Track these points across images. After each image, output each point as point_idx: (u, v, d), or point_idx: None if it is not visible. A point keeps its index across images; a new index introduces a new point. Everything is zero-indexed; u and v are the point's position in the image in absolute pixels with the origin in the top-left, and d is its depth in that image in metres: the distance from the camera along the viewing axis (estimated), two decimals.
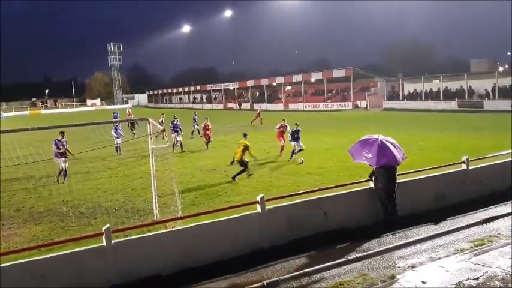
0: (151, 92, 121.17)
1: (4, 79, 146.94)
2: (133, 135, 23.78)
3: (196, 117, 31.82)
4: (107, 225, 7.10)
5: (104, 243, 6.97)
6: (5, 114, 77.24)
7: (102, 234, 7.00)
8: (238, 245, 8.03)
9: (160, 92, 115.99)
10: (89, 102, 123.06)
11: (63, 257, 6.77)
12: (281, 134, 20.40)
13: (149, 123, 10.98)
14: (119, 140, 23.05)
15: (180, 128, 23.75)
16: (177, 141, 23.17)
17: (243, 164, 15.42)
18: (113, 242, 7.04)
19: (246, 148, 15.52)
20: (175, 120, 23.93)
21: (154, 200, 11.00)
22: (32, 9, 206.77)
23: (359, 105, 56.43)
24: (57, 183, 15.71)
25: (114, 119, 28.75)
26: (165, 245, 7.54)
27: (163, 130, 11.00)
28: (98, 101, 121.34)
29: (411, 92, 53.52)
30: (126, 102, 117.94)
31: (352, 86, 59.39)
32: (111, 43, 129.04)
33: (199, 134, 29.13)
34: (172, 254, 7.53)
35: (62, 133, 16.25)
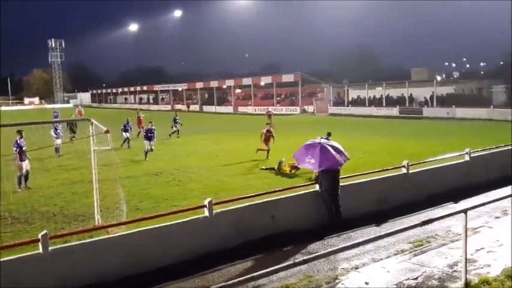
0: (94, 91, 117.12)
1: None
2: (71, 139, 22.55)
3: (177, 118, 31.15)
4: (44, 231, 6.73)
5: (41, 251, 6.60)
6: None
7: (38, 240, 6.62)
8: (185, 250, 7.88)
9: (104, 91, 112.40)
10: (26, 100, 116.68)
11: None
12: (268, 138, 19.49)
13: (91, 124, 10.57)
14: (59, 141, 22.05)
15: (153, 133, 21.97)
16: (150, 148, 21.22)
17: None
18: (50, 249, 6.68)
19: None
20: (150, 124, 22.29)
21: (95, 204, 10.56)
22: None
23: (307, 110, 57.56)
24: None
25: (55, 119, 27.54)
26: (107, 251, 7.26)
27: (107, 131, 10.62)
28: (36, 100, 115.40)
29: (355, 98, 55.41)
30: (68, 102, 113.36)
31: (300, 90, 60.48)
32: (52, 39, 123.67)
33: (178, 135, 29.44)
34: (115, 260, 7.25)
35: (20, 132, 14.78)
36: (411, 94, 48.93)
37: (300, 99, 60.39)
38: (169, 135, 29.81)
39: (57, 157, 21.45)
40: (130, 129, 25.78)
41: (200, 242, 8.10)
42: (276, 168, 16.28)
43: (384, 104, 49.96)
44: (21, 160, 14.48)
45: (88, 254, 7.06)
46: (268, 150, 19.15)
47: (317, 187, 9.80)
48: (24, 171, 14.60)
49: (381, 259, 7.71)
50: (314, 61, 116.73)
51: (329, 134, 17.07)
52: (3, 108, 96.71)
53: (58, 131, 22.16)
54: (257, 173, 16.26)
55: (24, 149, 14.59)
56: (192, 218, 8.22)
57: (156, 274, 7.30)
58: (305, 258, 5.19)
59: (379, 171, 11.41)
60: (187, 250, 7.90)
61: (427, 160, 12.88)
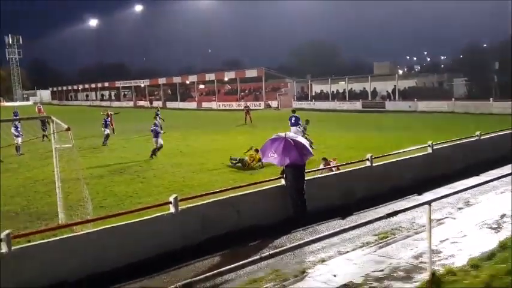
0: (55, 89, 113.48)
1: None
2: (43, 137, 21.86)
3: (159, 113, 30.43)
4: (7, 231, 6.54)
5: (3, 250, 6.43)
6: None
7: (1, 240, 6.43)
8: (150, 247, 7.82)
9: (65, 88, 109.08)
10: None
11: None
12: None
13: (52, 121, 10.29)
14: (19, 140, 21.32)
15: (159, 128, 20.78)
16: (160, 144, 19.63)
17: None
18: (13, 248, 6.51)
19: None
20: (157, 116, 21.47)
21: (58, 203, 10.32)
22: None
23: (271, 105, 57.84)
24: None
25: (15, 117, 26.60)
26: (71, 249, 7.13)
27: (68, 128, 10.35)
28: None
29: (319, 92, 56.14)
30: (27, 99, 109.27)
31: (264, 86, 60.69)
32: (10, 35, 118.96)
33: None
34: (79, 259, 7.13)
35: None
36: (374, 88, 49.99)
37: (264, 94, 60.61)
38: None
39: (18, 156, 20.73)
40: (111, 124, 25.30)
41: (166, 238, 8.06)
42: (240, 164, 16.25)
43: (347, 99, 50.84)
44: None
45: (52, 253, 6.91)
46: None
47: (283, 181, 9.90)
48: None
49: (347, 251, 7.88)
50: (277, 56, 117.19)
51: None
52: None
53: (18, 129, 21.45)
54: (222, 169, 16.25)
55: None
56: (158, 214, 8.17)
57: (122, 272, 7.22)
58: (271, 252, 5.28)
59: (343, 164, 11.65)
60: (154, 247, 7.84)
61: (391, 153, 13.19)
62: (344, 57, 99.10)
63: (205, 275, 4.59)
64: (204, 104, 66.53)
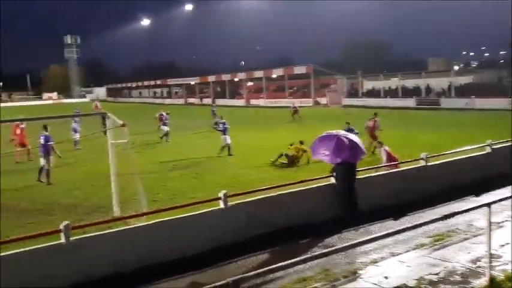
0: (110, 86, 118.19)
1: None
2: (105, 133, 22.91)
3: (215, 109, 31.37)
4: (66, 222, 6.86)
5: (63, 240, 6.74)
6: None
7: (60, 231, 6.75)
8: (201, 242, 7.96)
9: (119, 85, 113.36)
10: (45, 95, 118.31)
11: (20, 255, 6.50)
12: (372, 132, 18.04)
13: (108, 117, 10.70)
14: (77, 135, 22.35)
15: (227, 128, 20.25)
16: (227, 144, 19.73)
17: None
18: (71, 239, 6.82)
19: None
20: (220, 118, 21.52)
21: (114, 196, 10.71)
22: None
23: (320, 102, 57.23)
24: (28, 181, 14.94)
25: (76, 113, 28.09)
26: (126, 241, 7.38)
27: (124, 124, 10.71)
28: (54, 95, 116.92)
29: (370, 89, 54.86)
30: (84, 96, 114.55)
31: (312, 82, 60.10)
32: (69, 35, 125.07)
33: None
34: (133, 251, 7.38)
35: (45, 126, 15.01)
36: (428, 84, 48.22)
37: (313, 91, 60.03)
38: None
39: (75, 150, 21.75)
40: (167, 123, 25.81)
41: (215, 234, 8.16)
42: (287, 160, 16.22)
43: (400, 95, 49.34)
44: (43, 153, 14.62)
45: (108, 244, 7.19)
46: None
47: (332, 180, 9.75)
48: (43, 164, 14.66)
49: (400, 253, 7.64)
50: (326, 53, 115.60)
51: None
52: (23, 103, 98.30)
53: (76, 124, 22.63)
54: (270, 166, 16.24)
55: (50, 143, 14.79)
56: (208, 210, 8.29)
57: (172, 265, 7.38)
58: (321, 251, 5.19)
59: (396, 163, 11.31)
60: (203, 242, 7.97)
61: (447, 152, 12.66)
62: (395, 52, 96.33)
63: (255, 271, 4.58)
64: (252, 101, 66.88)
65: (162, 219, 7.83)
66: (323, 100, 56.89)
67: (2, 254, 6.49)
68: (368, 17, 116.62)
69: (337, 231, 8.84)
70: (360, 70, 60.03)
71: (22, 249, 6.62)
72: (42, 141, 14.75)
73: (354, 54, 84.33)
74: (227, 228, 8.25)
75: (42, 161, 14.68)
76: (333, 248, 5.41)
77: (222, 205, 8.24)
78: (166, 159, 18.63)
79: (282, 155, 16.39)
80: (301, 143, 16.51)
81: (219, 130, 20.43)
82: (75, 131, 22.47)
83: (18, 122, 18.12)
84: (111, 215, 10.49)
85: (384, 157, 12.21)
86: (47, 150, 14.65)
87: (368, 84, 56.27)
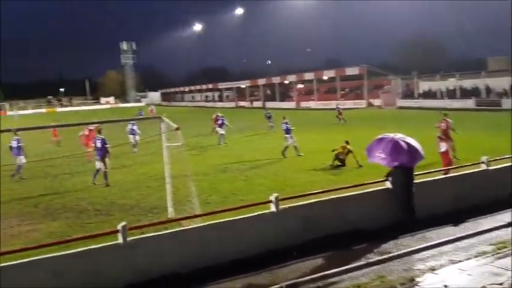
0: (163, 91, 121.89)
1: (22, 78, 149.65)
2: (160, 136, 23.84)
3: (269, 113, 31.85)
4: (123, 223, 7.09)
5: (121, 241, 6.97)
6: (19, 112, 78.55)
7: (118, 231, 6.99)
8: (253, 245, 7.97)
9: (172, 90, 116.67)
10: (103, 100, 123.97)
11: (81, 254, 6.78)
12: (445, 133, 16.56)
13: (162, 121, 11.00)
14: (137, 138, 23.42)
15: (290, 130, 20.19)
16: (292, 145, 19.84)
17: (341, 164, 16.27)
18: (129, 239, 7.03)
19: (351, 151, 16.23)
20: (284, 118, 21.06)
21: (168, 198, 10.99)
22: (48, 8, 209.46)
23: (373, 104, 56.01)
24: (73, 181, 15.76)
25: (138, 116, 29.64)
26: (181, 243, 7.51)
27: (178, 128, 10.98)
28: (111, 99, 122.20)
29: (426, 90, 52.97)
30: (139, 101, 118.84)
31: (365, 84, 58.93)
32: (124, 42, 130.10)
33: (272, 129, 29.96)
34: (188, 252, 7.50)
35: (99, 130, 15.65)
36: (487, 85, 45.89)
37: (366, 92, 58.84)
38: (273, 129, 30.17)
39: (132, 153, 22.57)
40: (224, 124, 26.18)
41: (267, 237, 8.14)
42: (339, 162, 16.22)
43: (458, 96, 47.29)
44: (99, 156, 15.07)
45: (163, 245, 7.34)
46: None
47: (388, 184, 9.47)
48: (99, 167, 15.09)
49: (460, 261, 7.29)
50: (378, 53, 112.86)
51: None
52: (83, 107, 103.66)
53: (135, 127, 23.58)
54: (322, 170, 16.06)
55: (106, 146, 15.15)
56: (260, 213, 8.28)
57: (226, 267, 7.43)
58: (377, 257, 5.04)
59: (456, 167, 10.83)
60: (255, 245, 7.98)
61: (509, 156, 11.95)
62: (452, 52, 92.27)
63: (309, 276, 4.52)
64: (303, 104, 66.57)
65: (215, 221, 7.92)
66: (377, 102, 55.61)
67: (62, 253, 6.81)
68: (422, 16, 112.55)
69: (393, 236, 8.56)
70: (415, 70, 58.15)
71: (82, 249, 6.92)
72: (98, 144, 15.14)
73: (408, 54, 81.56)
74: (279, 231, 8.21)
75: (98, 164, 15.09)
76: (390, 255, 5.23)
77: (273, 208, 8.22)
78: (218, 162, 18.89)
79: (336, 158, 16.33)
80: (347, 143, 16.61)
81: (283, 130, 20.42)
82: (133, 133, 23.44)
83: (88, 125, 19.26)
84: (166, 216, 10.78)
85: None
86: (103, 153, 15.03)
87: (424, 85, 54.27)
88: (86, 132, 20.91)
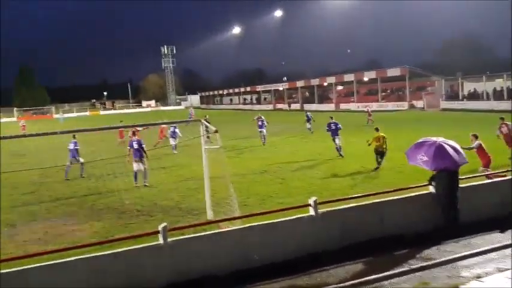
0: (202, 94, 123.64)
1: (66, 82, 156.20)
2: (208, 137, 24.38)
3: (310, 115, 32.03)
4: (164, 224, 7.23)
5: (161, 241, 7.10)
6: (64, 116, 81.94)
7: (159, 232, 7.13)
8: (291, 248, 7.93)
9: (211, 93, 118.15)
10: (144, 103, 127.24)
11: (123, 254, 6.96)
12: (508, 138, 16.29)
13: (202, 124, 11.15)
14: (176, 140, 24.02)
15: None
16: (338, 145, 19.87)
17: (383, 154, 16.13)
18: (169, 240, 7.16)
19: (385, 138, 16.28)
20: (331, 118, 20.99)
21: (207, 200, 11.12)
22: (91, 14, 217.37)
23: (415, 105, 54.63)
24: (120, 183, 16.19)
25: (190, 118, 30.77)
26: (219, 245, 7.57)
27: (216, 131, 11.10)
28: (153, 102, 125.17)
29: (471, 91, 51.09)
30: (179, 104, 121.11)
31: (407, 85, 57.56)
32: (165, 45, 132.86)
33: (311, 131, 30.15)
34: (226, 254, 7.55)
35: (134, 132, 15.95)
36: None
37: (408, 94, 57.47)
38: (311, 131, 30.33)
39: (173, 154, 23.03)
40: (264, 125, 26.44)
41: (306, 240, 8.08)
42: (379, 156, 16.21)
43: (506, 98, 45.31)
44: (137, 157, 15.24)
45: (203, 246, 7.43)
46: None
47: (431, 188, 9.20)
48: (136, 169, 15.30)
49: (508, 269, 6.96)
50: (421, 54, 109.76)
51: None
52: (126, 111, 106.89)
53: (176, 130, 24.21)
54: (361, 173, 15.79)
55: (141, 147, 15.34)
56: (298, 216, 8.23)
57: (264, 270, 7.43)
58: (419, 263, 4.89)
59: (504, 171, 10.39)
60: (294, 248, 7.93)
61: None
62: (499, 52, 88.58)
63: (349, 282, 4.45)
64: (342, 106, 65.77)
65: (253, 224, 7.94)
66: (419, 103, 54.19)
67: (105, 252, 7.03)
68: (467, 15, 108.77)
69: (436, 242, 8.29)
70: (459, 71, 56.22)
71: (124, 249, 7.10)
72: (135, 146, 15.27)
73: (452, 55, 79.22)
74: (318, 235, 8.13)
75: (135, 166, 15.23)
76: (433, 261, 5.06)
77: (312, 212, 8.15)
78: (256, 164, 18.95)
79: (377, 154, 16.25)
80: (377, 129, 16.78)
81: (331, 130, 20.17)
82: (174, 136, 24.04)
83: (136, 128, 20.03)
84: (205, 217, 10.91)
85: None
86: (141, 154, 15.23)
87: (469, 86, 52.36)
88: (130, 134, 21.62)
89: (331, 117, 20.85)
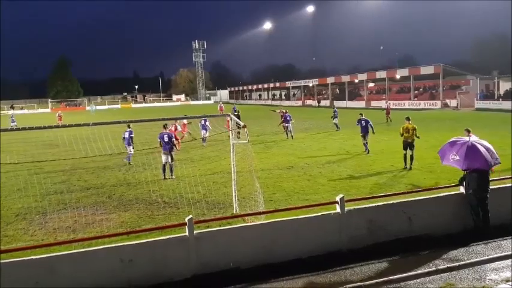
0: (232, 89, 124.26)
1: (99, 75, 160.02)
2: (238, 133, 24.68)
3: (336, 111, 31.70)
4: (190, 216, 7.33)
5: (187, 233, 7.21)
6: (95, 108, 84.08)
7: (185, 224, 7.24)
8: (316, 245, 7.92)
9: (240, 88, 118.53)
10: (174, 97, 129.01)
11: (150, 244, 7.11)
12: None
13: (230, 119, 11.21)
14: (206, 133, 24.46)
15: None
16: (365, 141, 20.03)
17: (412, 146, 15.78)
18: (195, 232, 7.26)
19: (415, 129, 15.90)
20: (361, 115, 20.83)
21: (234, 194, 11.21)
22: (125, 10, 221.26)
23: (449, 104, 53.32)
24: (141, 174, 16.53)
25: (234, 112, 31.38)
26: (244, 238, 7.64)
27: (244, 126, 11.16)
28: (182, 97, 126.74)
29: (508, 90, 49.42)
30: (209, 98, 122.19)
31: (441, 83, 56.20)
32: (196, 40, 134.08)
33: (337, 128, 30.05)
34: (250, 248, 7.61)
35: (164, 126, 16.37)
36: None
37: (441, 92, 56.12)
38: (338, 128, 30.28)
39: (201, 148, 23.29)
40: (291, 119, 27.12)
41: (331, 238, 8.05)
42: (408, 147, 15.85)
43: None
44: (166, 150, 15.56)
45: (227, 240, 7.50)
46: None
47: (461, 189, 9.00)
48: (164, 161, 15.61)
49: None
50: (455, 52, 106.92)
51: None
52: (156, 104, 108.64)
53: (207, 123, 24.68)
54: (390, 171, 15.55)
55: (170, 140, 15.68)
56: (324, 213, 8.20)
57: (288, 265, 7.46)
58: (446, 264, 4.81)
59: None
60: (319, 244, 7.92)
61: None
62: None
63: (374, 280, 4.42)
64: (373, 103, 64.79)
65: (279, 219, 7.96)
66: (453, 102, 52.84)
67: (132, 242, 7.19)
68: (502, 14, 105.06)
69: (464, 244, 8.14)
70: (496, 70, 54.45)
71: (150, 239, 7.27)
72: (166, 139, 15.60)
73: (488, 53, 76.67)
74: (344, 233, 8.09)
75: (164, 158, 15.56)
76: (460, 263, 4.97)
77: (338, 209, 8.11)
78: (283, 160, 18.93)
79: (406, 146, 15.86)
80: (408, 119, 16.28)
81: (361, 127, 20.24)
82: (205, 129, 24.55)
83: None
84: (230, 211, 11.01)
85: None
86: (170, 147, 15.58)
87: (506, 85, 50.67)
88: (173, 128, 22.33)
89: (361, 114, 20.74)
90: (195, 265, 7.21)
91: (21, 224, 10.82)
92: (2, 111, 76.18)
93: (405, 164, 15.81)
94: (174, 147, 15.82)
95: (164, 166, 15.70)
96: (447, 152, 9.00)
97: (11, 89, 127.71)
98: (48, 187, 14.67)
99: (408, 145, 15.83)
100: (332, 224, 8.09)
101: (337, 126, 30.29)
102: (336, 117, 30.66)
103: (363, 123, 19.94)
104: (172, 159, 15.74)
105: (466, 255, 7.57)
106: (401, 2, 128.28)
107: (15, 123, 41.18)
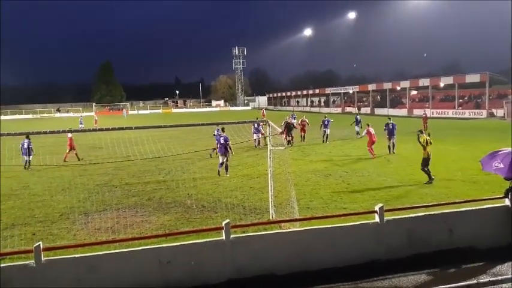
0: (270, 95, 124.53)
1: (142, 81, 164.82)
2: (288, 142, 24.83)
3: (359, 117, 32.23)
4: (227, 221, 7.40)
5: (224, 237, 7.29)
6: (130, 112, 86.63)
7: (222, 228, 7.32)
8: (353, 254, 7.81)
9: (279, 95, 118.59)
10: (214, 103, 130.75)
11: (187, 247, 7.23)
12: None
13: (269, 125, 11.26)
14: (259, 136, 25.71)
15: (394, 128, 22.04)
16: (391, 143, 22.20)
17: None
18: (231, 236, 7.32)
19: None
20: (389, 119, 22.50)
21: (270, 200, 11.22)
22: (169, 19, 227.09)
23: (495, 114, 51.29)
24: (181, 177, 16.84)
25: (292, 117, 33.79)
26: (280, 245, 7.62)
27: (282, 132, 11.16)
28: (222, 102, 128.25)
29: None
30: (247, 104, 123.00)
31: (487, 92, 54.18)
32: (236, 47, 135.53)
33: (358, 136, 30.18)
34: (286, 254, 7.59)
35: (223, 129, 18.05)
36: None
37: (487, 101, 54.07)
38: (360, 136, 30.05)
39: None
40: (328, 123, 28.27)
41: (369, 247, 7.92)
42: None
43: None
44: (221, 152, 17.09)
45: (263, 245, 7.52)
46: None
47: (507, 201, 8.64)
48: (221, 161, 17.17)
49: None
50: (502, 60, 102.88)
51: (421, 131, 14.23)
52: (196, 109, 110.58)
53: (260, 127, 25.67)
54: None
55: (226, 143, 17.02)
56: (362, 222, 8.09)
57: (323, 274, 7.39)
58: (492, 279, 4.65)
59: None
60: (356, 254, 7.81)
61: None
62: None
63: None
64: (416, 111, 63.19)
65: (316, 227, 7.91)
66: (499, 112, 50.80)
67: (170, 244, 7.33)
68: None
69: (509, 258, 7.79)
70: None
71: (187, 242, 7.38)
72: (222, 141, 17.14)
73: None
74: (382, 243, 7.94)
75: (221, 158, 17.20)
76: (504, 277, 4.78)
77: (377, 219, 7.97)
78: (321, 167, 18.77)
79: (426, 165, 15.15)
80: (421, 132, 15.74)
81: (386, 130, 21.50)
82: (258, 131, 25.68)
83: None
84: (267, 217, 11.02)
85: None
86: (225, 149, 17.03)
87: None
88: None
89: (389, 118, 21.65)
90: (231, 269, 7.26)
91: (64, 224, 11.25)
92: (48, 114, 79.75)
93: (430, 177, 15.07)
94: (229, 150, 17.17)
95: (221, 165, 17.19)
96: (490, 160, 8.69)
97: (58, 92, 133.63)
98: (90, 188, 15.18)
99: (427, 163, 15.08)
100: (370, 233, 7.96)
101: (358, 133, 30.35)
102: (358, 124, 30.67)
103: (390, 126, 21.31)
104: (227, 159, 17.19)
105: (509, 270, 7.24)
106: (449, 8, 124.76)
107: (82, 125, 42.72)
